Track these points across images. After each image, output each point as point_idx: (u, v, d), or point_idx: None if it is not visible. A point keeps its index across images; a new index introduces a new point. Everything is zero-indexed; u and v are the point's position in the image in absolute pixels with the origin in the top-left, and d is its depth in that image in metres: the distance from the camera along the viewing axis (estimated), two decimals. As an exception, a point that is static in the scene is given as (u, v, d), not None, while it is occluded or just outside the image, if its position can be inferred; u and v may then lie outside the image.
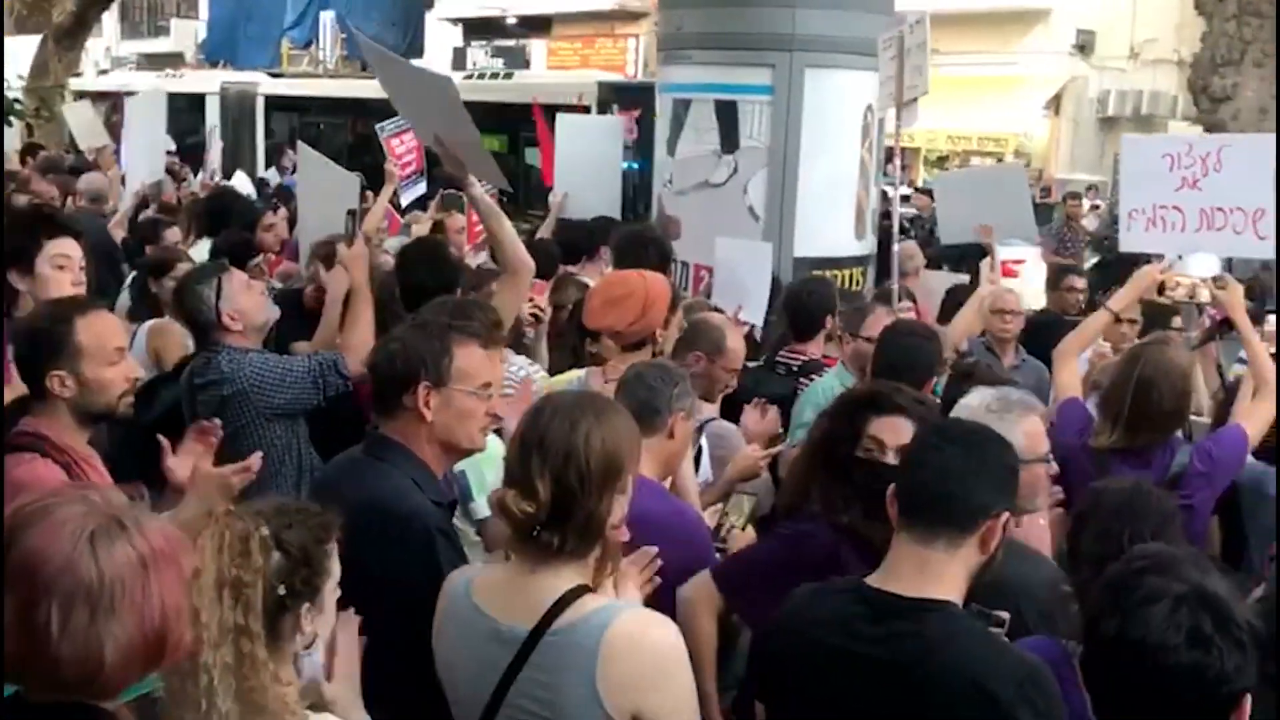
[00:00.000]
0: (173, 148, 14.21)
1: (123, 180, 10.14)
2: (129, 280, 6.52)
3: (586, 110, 12.81)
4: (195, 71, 26.14)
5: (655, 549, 2.67)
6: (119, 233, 8.37)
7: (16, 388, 3.18)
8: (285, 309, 4.76)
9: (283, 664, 2.14)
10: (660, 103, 7.44)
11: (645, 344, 4.29)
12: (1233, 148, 5.88)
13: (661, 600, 2.82)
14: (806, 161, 6.79)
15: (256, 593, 2.07)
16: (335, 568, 2.28)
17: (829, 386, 4.70)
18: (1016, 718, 2.16)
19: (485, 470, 3.53)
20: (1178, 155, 5.84)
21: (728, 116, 6.80)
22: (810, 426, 3.67)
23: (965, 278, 7.68)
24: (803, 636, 2.43)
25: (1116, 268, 5.85)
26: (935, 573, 2.33)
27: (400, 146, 9.36)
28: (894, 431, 2.97)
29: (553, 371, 4.92)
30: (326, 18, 28.24)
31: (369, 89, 4.83)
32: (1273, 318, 5.31)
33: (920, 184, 17.74)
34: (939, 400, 3.93)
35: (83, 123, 12.98)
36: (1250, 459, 4.19)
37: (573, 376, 4.40)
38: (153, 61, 34.13)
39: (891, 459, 2.88)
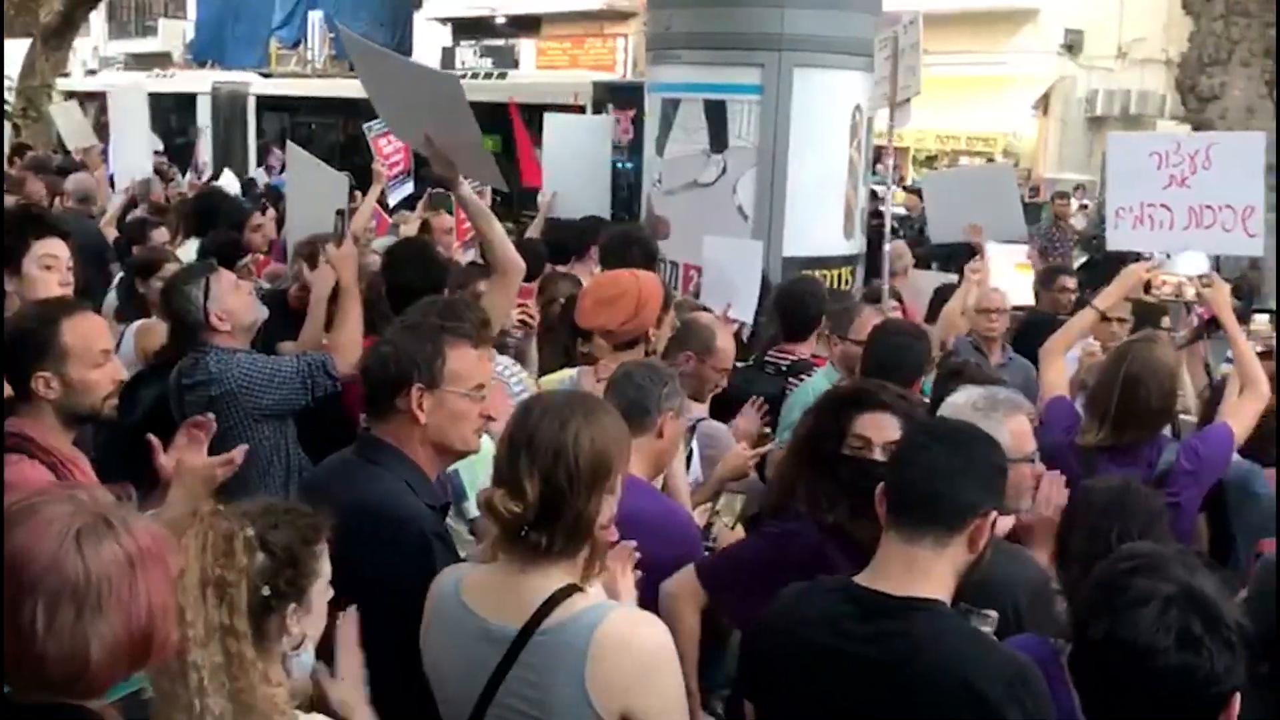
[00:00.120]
0: (160, 147, 14.18)
1: (111, 181, 10.11)
2: (116, 280, 6.50)
3: (582, 110, 12.77)
4: (186, 71, 26.07)
5: (634, 543, 2.67)
6: (111, 232, 8.35)
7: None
8: (270, 309, 4.73)
9: (271, 664, 2.14)
10: (649, 102, 7.43)
11: (638, 343, 4.29)
12: (1221, 145, 5.89)
13: (650, 599, 2.82)
14: (795, 161, 6.78)
15: (240, 592, 2.06)
16: (324, 569, 2.28)
17: (818, 386, 4.70)
18: (1005, 716, 2.16)
19: (479, 469, 3.52)
20: (1166, 153, 5.86)
21: (716, 116, 6.80)
22: (795, 425, 3.68)
23: (954, 277, 7.70)
24: (791, 635, 2.43)
25: (1104, 267, 5.86)
26: (923, 571, 2.34)
27: (388, 146, 9.36)
28: (880, 428, 2.98)
29: (543, 370, 4.91)
30: (315, 17, 28.24)
31: (361, 89, 4.82)
32: (1260, 316, 5.32)
33: (909, 183, 17.75)
34: (927, 399, 3.94)
35: (71, 123, 12.93)
36: (1236, 457, 4.21)
37: (564, 376, 4.41)
38: (140, 61, 34.04)
39: (878, 455, 2.89)
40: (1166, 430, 4.54)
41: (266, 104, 19.86)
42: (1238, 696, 1.98)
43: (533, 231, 7.95)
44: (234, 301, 4.17)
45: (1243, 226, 5.74)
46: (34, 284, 3.88)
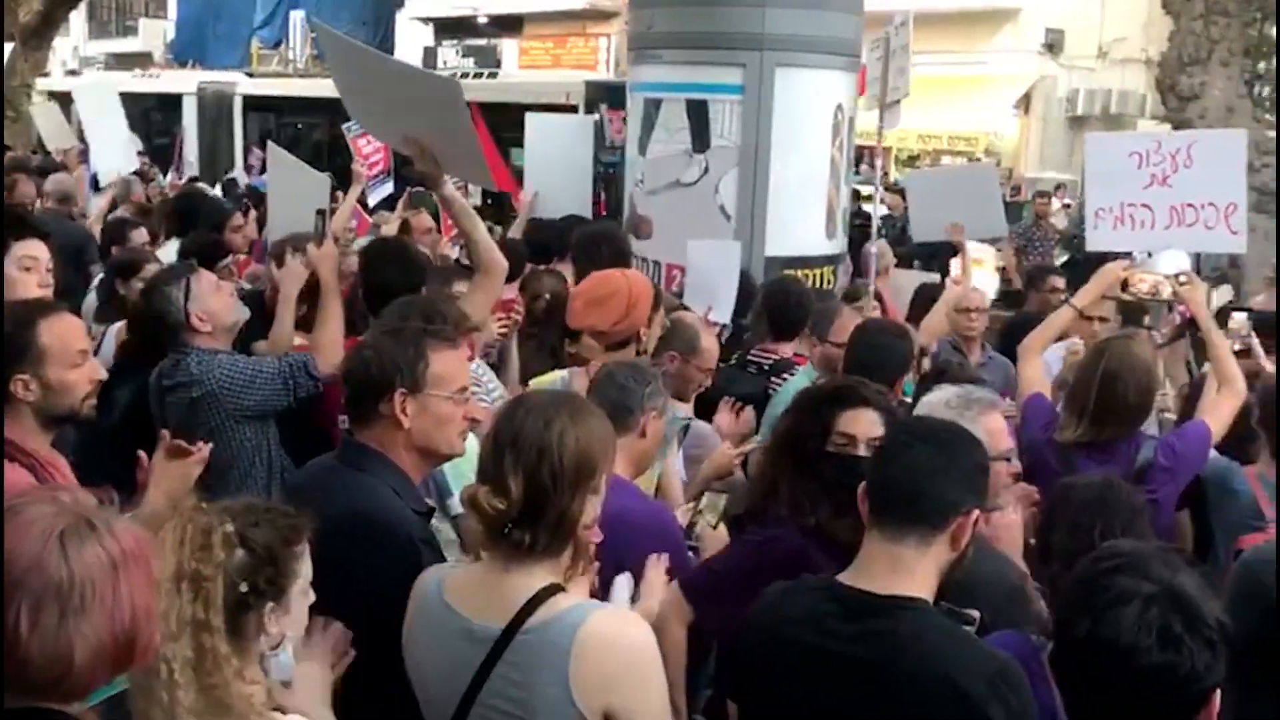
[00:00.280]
0: (140, 147, 14.10)
1: (95, 181, 10.06)
2: (96, 281, 6.47)
3: (574, 110, 12.70)
4: (172, 71, 25.95)
5: (666, 556, 2.67)
6: (99, 229, 8.30)
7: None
8: (249, 310, 4.71)
9: (248, 663, 2.13)
10: (631, 102, 7.44)
11: (629, 343, 4.29)
12: (1202, 143, 5.92)
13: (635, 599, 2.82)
14: (777, 161, 6.79)
15: (216, 587, 2.06)
16: (305, 570, 2.27)
17: (799, 386, 4.71)
18: (987, 714, 2.17)
19: (463, 467, 3.51)
20: (1146, 153, 5.88)
21: (699, 116, 6.80)
22: (773, 425, 3.69)
23: (935, 276, 7.72)
24: (775, 634, 2.44)
25: (1086, 266, 5.89)
26: (907, 570, 2.34)
27: (367, 146, 9.33)
28: (863, 424, 2.99)
29: (529, 370, 4.90)
30: (296, 17, 28.14)
31: (348, 90, 4.90)
32: (1238, 315, 5.34)
33: (892, 182, 17.80)
34: (910, 400, 3.95)
35: (51, 124, 12.89)
36: (1214, 453, 4.23)
37: (556, 377, 4.39)
38: (121, 61, 33.88)
39: (863, 452, 2.89)
40: (1155, 429, 4.57)
41: (253, 104, 19.76)
42: (1218, 694, 1.99)
43: (515, 231, 7.93)
44: (215, 302, 4.15)
45: (1225, 224, 5.77)
46: (13, 285, 3.86)
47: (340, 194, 7.59)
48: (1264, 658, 3.01)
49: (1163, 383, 5.34)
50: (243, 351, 4.42)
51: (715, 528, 3.65)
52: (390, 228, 7.94)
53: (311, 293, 4.56)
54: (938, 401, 3.28)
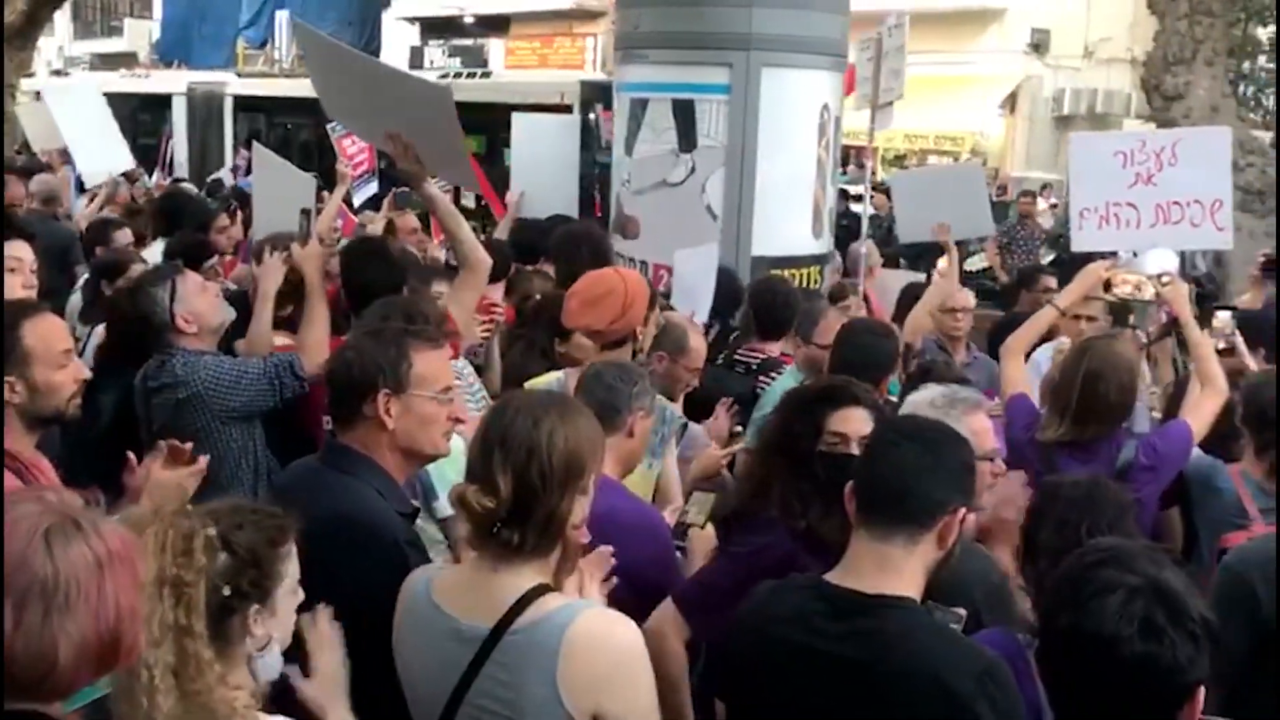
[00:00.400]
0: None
1: (79, 184, 9.99)
2: (81, 282, 6.44)
3: (569, 110, 12.64)
4: (162, 71, 25.83)
5: (610, 549, 2.67)
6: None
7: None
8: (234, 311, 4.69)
9: (232, 667, 2.13)
10: (617, 102, 7.44)
11: (625, 342, 4.28)
12: (1187, 141, 5.95)
13: (625, 599, 2.82)
14: (764, 161, 6.80)
15: (198, 592, 2.05)
16: (290, 571, 2.26)
17: (785, 386, 4.71)
18: (975, 711, 2.18)
19: (448, 469, 3.51)
20: (1130, 152, 5.90)
21: (685, 116, 6.80)
22: (761, 427, 3.69)
23: (922, 276, 7.73)
24: (764, 634, 2.44)
25: (1072, 266, 5.91)
26: (894, 569, 2.35)
27: (352, 146, 9.33)
28: (854, 422, 3.00)
29: (519, 369, 4.88)
30: (282, 17, 28.02)
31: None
32: (1223, 313, 5.36)
33: (878, 182, 17.83)
34: (894, 399, 3.96)
35: (37, 124, 12.80)
36: (1198, 452, 4.25)
37: (552, 379, 4.38)
38: (106, 61, 33.77)
39: (855, 450, 2.90)
40: (1146, 427, 4.59)
41: (243, 105, 19.65)
42: (1202, 689, 1.99)
43: (501, 232, 7.93)
44: (200, 303, 4.14)
45: (1211, 220, 5.79)
46: (-6, 288, 3.84)
47: (326, 194, 7.57)
48: (1258, 660, 3.04)
49: (1154, 382, 5.38)
50: (224, 351, 4.41)
51: (703, 528, 3.65)
52: (375, 228, 7.92)
53: (297, 293, 4.55)
54: (922, 401, 3.30)
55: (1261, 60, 21.93)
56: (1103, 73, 25.05)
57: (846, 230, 9.97)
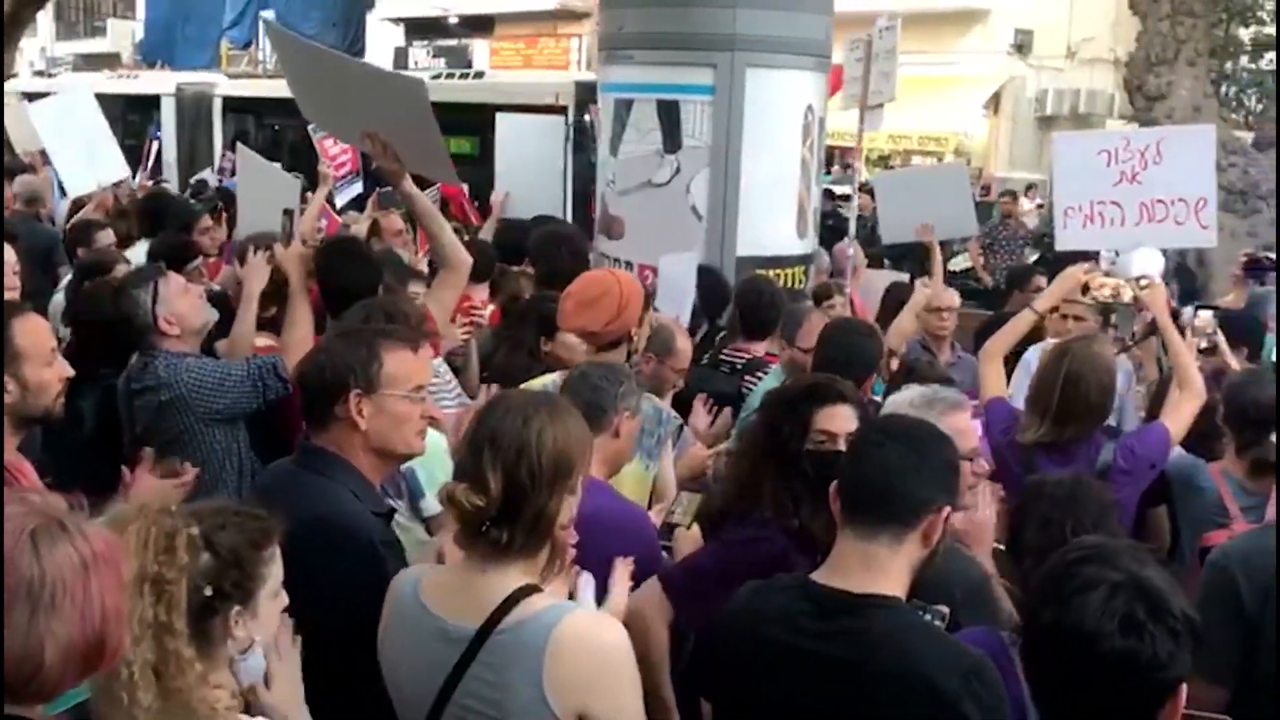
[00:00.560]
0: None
1: (61, 188, 9.91)
2: (65, 282, 6.42)
3: (564, 110, 12.59)
4: (150, 72, 25.69)
5: (631, 560, 2.67)
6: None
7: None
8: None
9: (214, 667, 2.12)
10: (602, 102, 7.43)
11: (620, 343, 4.27)
12: (1172, 140, 5.97)
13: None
14: (748, 161, 6.79)
15: (180, 591, 2.05)
16: (274, 574, 2.26)
17: (769, 387, 4.72)
18: (961, 710, 2.19)
19: (435, 468, 3.51)
20: (1115, 151, 5.92)
21: (670, 116, 6.80)
22: (747, 428, 3.69)
23: (906, 276, 7.75)
24: (750, 633, 2.44)
25: (1058, 265, 5.94)
26: (880, 568, 2.35)
27: (334, 147, 9.28)
28: (840, 420, 3.03)
29: (509, 369, 4.87)
30: (266, 18, 27.93)
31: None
32: (1204, 313, 5.39)
33: (862, 182, 17.86)
34: (879, 399, 3.97)
35: (19, 125, 12.71)
36: (1180, 451, 4.27)
37: (549, 380, 4.37)
38: (89, 62, 33.59)
39: (844, 447, 2.90)
40: (1135, 425, 4.60)
41: (233, 106, 19.53)
42: (1184, 686, 2.00)
43: (485, 233, 7.92)
44: (183, 305, 4.13)
45: (1195, 219, 5.81)
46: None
47: (311, 195, 7.56)
48: (1250, 657, 3.05)
49: (1140, 382, 5.40)
50: (205, 352, 4.40)
51: (689, 528, 3.66)
52: (360, 228, 7.91)
53: (280, 294, 4.54)
54: (903, 401, 3.31)
55: (1243, 61, 22.06)
56: (1085, 73, 25.16)
57: (832, 230, 9.98)
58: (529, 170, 8.46)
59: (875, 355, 4.50)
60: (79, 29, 41.60)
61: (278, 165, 8.67)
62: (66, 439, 3.88)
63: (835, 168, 19.60)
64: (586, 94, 13.18)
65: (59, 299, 6.19)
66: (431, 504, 3.59)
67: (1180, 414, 4.28)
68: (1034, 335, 5.25)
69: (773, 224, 6.99)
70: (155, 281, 4.11)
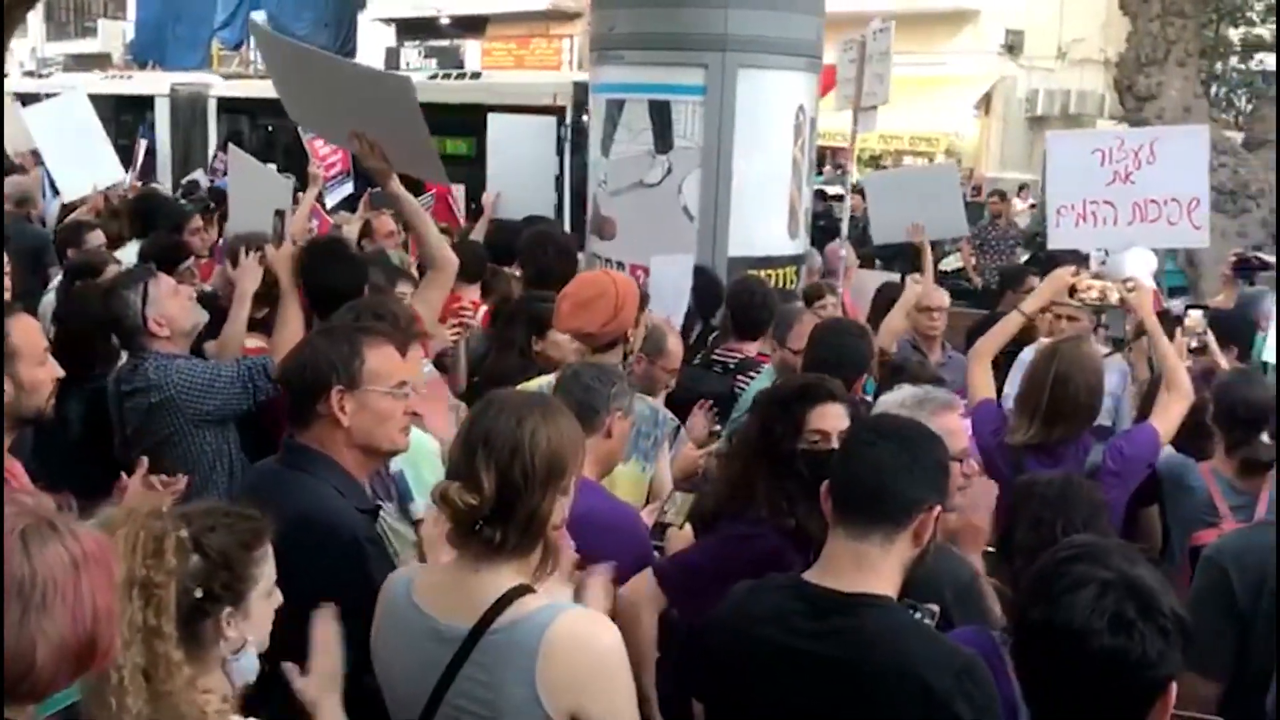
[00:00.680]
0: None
1: (52, 188, 9.87)
2: (55, 282, 6.41)
3: (561, 111, 12.57)
4: (144, 73, 25.63)
5: (613, 564, 2.67)
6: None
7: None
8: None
9: (205, 670, 2.12)
10: (593, 103, 7.43)
11: (616, 344, 4.27)
12: (1165, 140, 5.99)
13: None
14: (740, 161, 6.81)
15: (169, 594, 2.04)
16: (266, 574, 2.26)
17: (761, 387, 4.73)
18: (953, 709, 2.19)
19: (424, 470, 3.50)
20: (1109, 150, 5.94)
21: (661, 116, 6.81)
22: (739, 428, 3.69)
23: (897, 276, 7.75)
24: (742, 633, 2.44)
25: (1049, 264, 5.95)
26: (872, 568, 2.36)
27: (324, 148, 9.25)
28: (832, 419, 3.04)
29: (500, 369, 4.87)
30: (257, 18, 27.89)
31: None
32: (1194, 312, 5.40)
33: (854, 183, 17.87)
34: (871, 399, 3.97)
35: (11, 125, 12.65)
36: (1170, 450, 4.28)
37: (545, 381, 4.37)
38: (80, 62, 33.51)
39: (837, 445, 2.91)
40: (1129, 425, 4.61)
41: (226, 106, 19.48)
42: (1174, 684, 2.00)
43: (477, 234, 7.92)
44: (172, 306, 4.11)
45: (1188, 219, 5.83)
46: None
47: (303, 195, 7.54)
48: (1245, 655, 3.06)
49: (1132, 381, 5.41)
50: (194, 352, 4.39)
51: (681, 528, 3.66)
52: (351, 229, 7.89)
53: (271, 294, 4.53)
54: (894, 401, 3.31)
55: (1233, 61, 22.12)
56: (1076, 74, 25.23)
57: (824, 231, 9.99)
58: (522, 171, 8.46)
59: (866, 356, 4.50)
60: (69, 29, 41.48)
61: (270, 166, 8.65)
62: (55, 441, 3.87)
63: (827, 168, 19.61)
64: (584, 94, 13.13)
65: (49, 300, 6.18)
66: (420, 507, 3.58)
67: (1168, 415, 4.29)
68: (1028, 335, 5.25)
69: (764, 224, 7.00)
70: (145, 282, 4.10)
